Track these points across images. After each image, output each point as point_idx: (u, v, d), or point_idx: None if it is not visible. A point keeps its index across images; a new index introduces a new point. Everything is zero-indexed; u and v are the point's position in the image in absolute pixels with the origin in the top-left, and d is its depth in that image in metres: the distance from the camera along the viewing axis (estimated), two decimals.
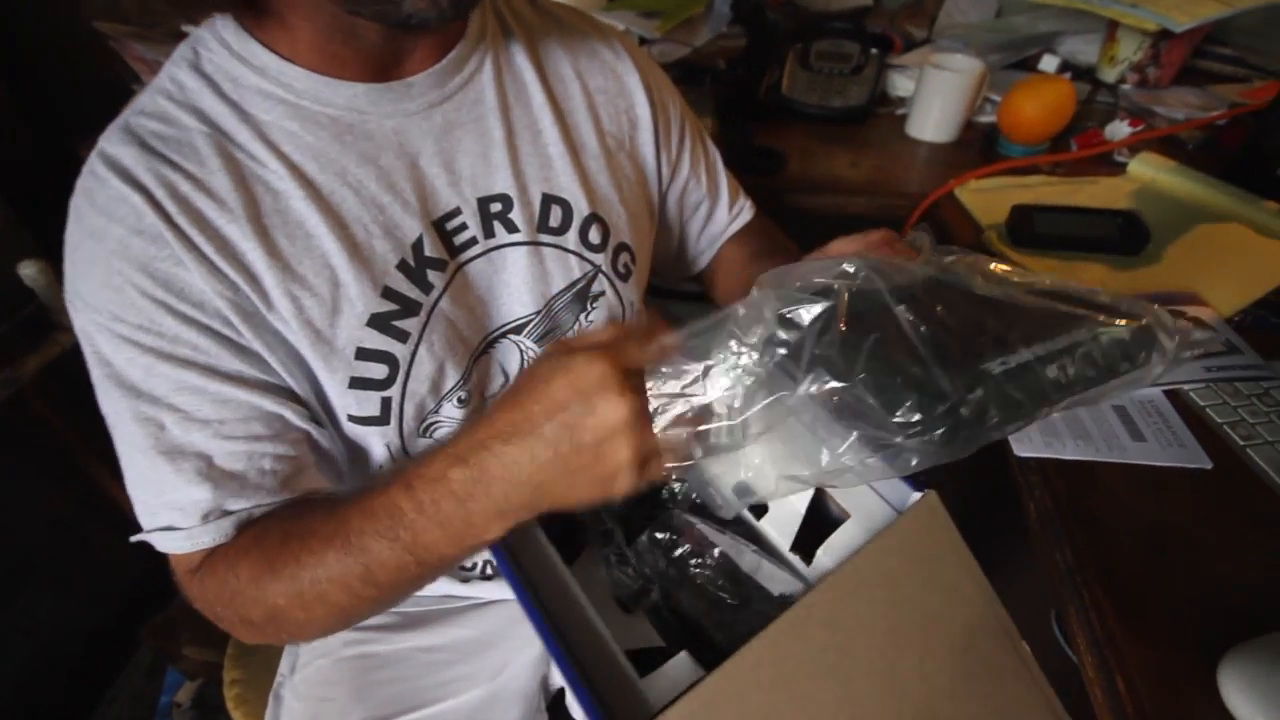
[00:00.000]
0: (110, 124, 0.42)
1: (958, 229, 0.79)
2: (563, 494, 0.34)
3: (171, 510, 0.42)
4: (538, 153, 0.50)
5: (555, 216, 0.50)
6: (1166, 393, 0.56)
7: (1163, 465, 0.51)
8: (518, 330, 0.51)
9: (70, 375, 0.94)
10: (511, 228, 0.49)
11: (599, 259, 0.52)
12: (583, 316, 0.53)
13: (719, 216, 0.66)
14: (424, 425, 0.49)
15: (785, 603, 0.49)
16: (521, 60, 0.50)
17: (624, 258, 0.54)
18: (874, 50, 0.98)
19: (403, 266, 0.45)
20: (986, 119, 0.97)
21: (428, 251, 0.46)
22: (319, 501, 0.44)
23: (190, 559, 0.43)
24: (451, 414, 0.49)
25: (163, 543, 0.43)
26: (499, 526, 0.36)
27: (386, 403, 0.46)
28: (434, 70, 0.45)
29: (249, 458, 0.42)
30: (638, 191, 0.56)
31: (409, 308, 0.45)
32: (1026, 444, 0.54)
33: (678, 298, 1.35)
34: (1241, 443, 0.52)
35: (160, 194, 0.39)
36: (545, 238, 0.50)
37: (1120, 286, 0.67)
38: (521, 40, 0.50)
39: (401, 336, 0.45)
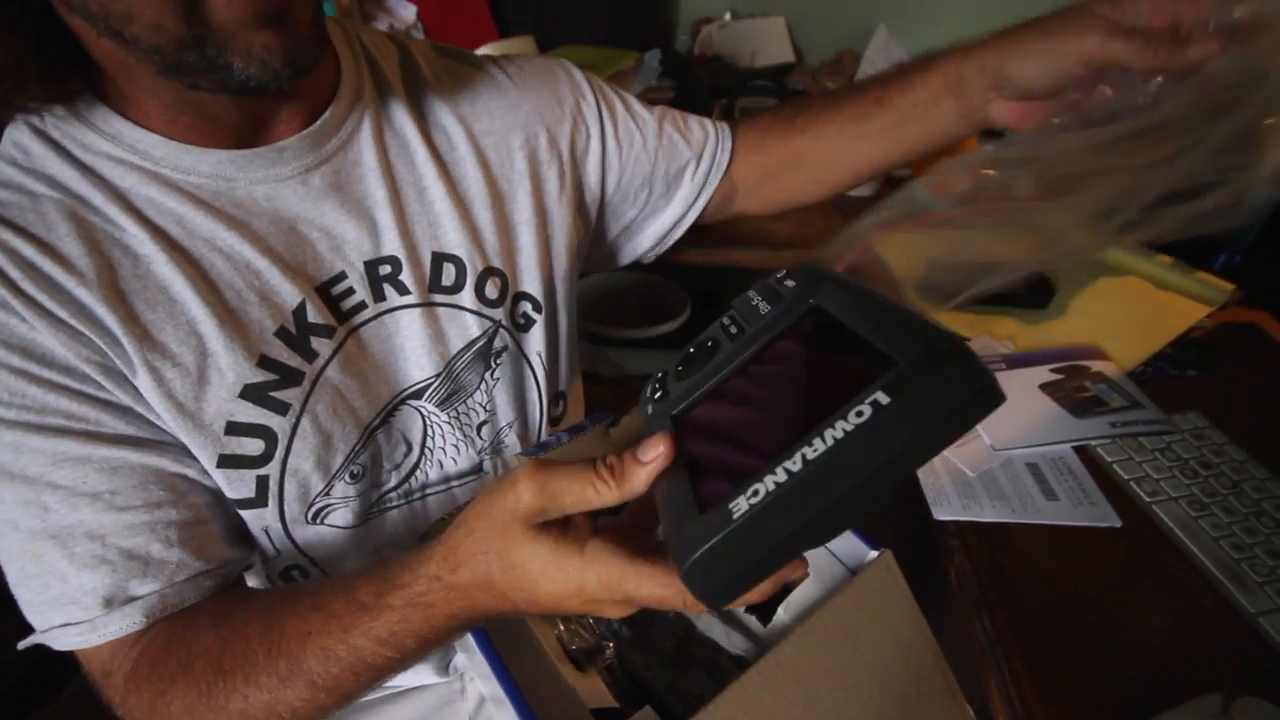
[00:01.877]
0: None
1: (881, 281, 0.80)
2: None
3: (64, 605, 0.37)
4: (425, 210, 0.48)
5: (448, 275, 0.49)
6: (1076, 449, 0.58)
7: (1076, 525, 0.52)
8: (418, 395, 0.49)
9: None
10: (403, 290, 0.47)
11: (497, 314, 0.51)
12: (487, 375, 0.51)
13: (685, 172, 0.61)
14: (312, 509, 0.45)
15: (741, 663, 0.48)
16: (401, 115, 0.48)
17: (523, 307, 0.53)
18: None
19: (282, 334, 0.42)
20: (904, 173, 1.00)
21: (311, 318, 0.43)
22: (244, 605, 0.40)
23: (101, 657, 0.39)
24: (345, 493, 0.46)
25: (62, 640, 0.38)
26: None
27: (263, 482, 0.43)
28: (307, 133, 0.43)
29: (150, 529, 0.39)
30: (539, 234, 0.53)
31: (289, 377, 0.43)
32: (945, 507, 0.54)
33: (620, 345, 1.35)
34: (1148, 499, 0.53)
35: (4, 261, 0.36)
36: (439, 297, 0.48)
37: (1029, 340, 0.69)
38: (399, 94, 0.49)
39: (280, 408, 0.42)
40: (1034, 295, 0.72)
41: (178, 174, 0.40)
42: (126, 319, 0.38)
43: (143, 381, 0.39)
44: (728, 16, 1.35)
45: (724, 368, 0.31)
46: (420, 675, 0.57)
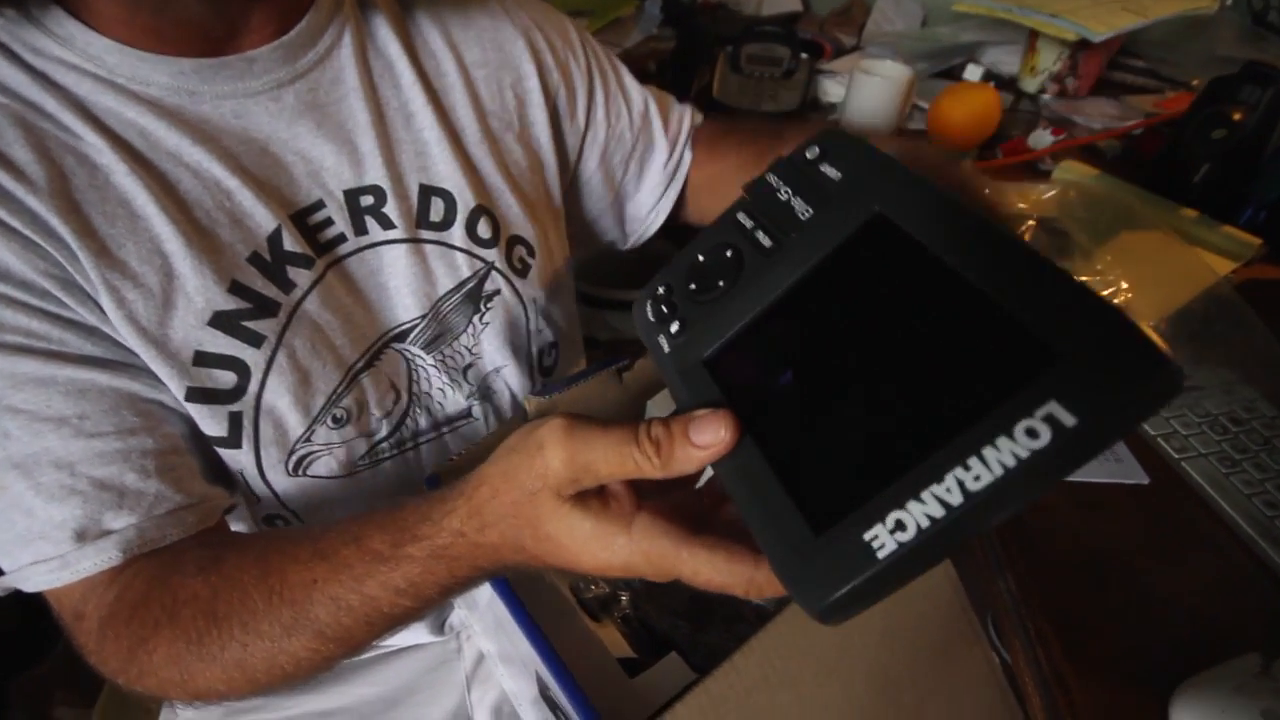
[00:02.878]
0: None
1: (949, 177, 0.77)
2: None
3: (33, 540, 0.35)
4: (412, 139, 0.44)
5: (437, 210, 0.45)
6: None
7: (1102, 481, 0.50)
8: (401, 338, 0.45)
9: None
10: (387, 224, 0.43)
11: (490, 254, 0.47)
12: (476, 319, 0.48)
13: (657, 159, 0.59)
14: (293, 458, 0.42)
15: (763, 613, 0.47)
16: (385, 33, 0.44)
17: (519, 251, 0.49)
18: (804, 55, 0.96)
19: (255, 260, 0.39)
20: (915, 126, 0.96)
21: (287, 246, 0.40)
22: (239, 549, 0.37)
23: (72, 598, 0.36)
24: (328, 439, 0.43)
25: (33, 579, 0.35)
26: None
27: (236, 419, 0.40)
28: (280, 44, 0.39)
29: (124, 457, 0.35)
30: (533, 178, 0.50)
31: (264, 307, 0.39)
32: None
33: (617, 307, 1.31)
34: (1176, 456, 0.51)
35: None
36: (426, 234, 0.45)
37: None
38: (383, 9, 0.44)
39: (253, 340, 0.39)
40: (1055, 246, 0.69)
41: (135, 84, 0.36)
42: (82, 232, 0.34)
43: (104, 300, 0.35)
44: None
45: (762, 297, 0.25)
46: (415, 634, 0.55)
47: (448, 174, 0.45)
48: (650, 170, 0.58)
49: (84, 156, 0.35)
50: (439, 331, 0.47)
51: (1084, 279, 0.18)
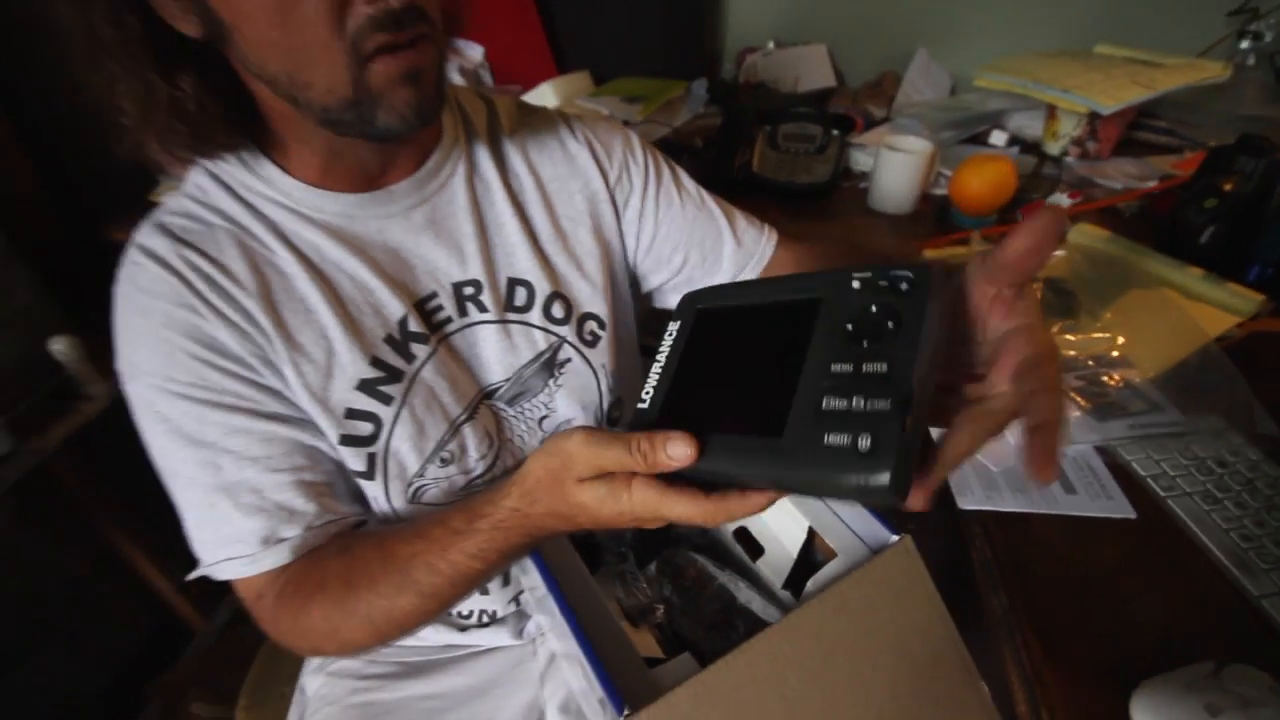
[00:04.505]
0: (143, 221, 0.50)
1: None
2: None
3: (232, 543, 0.48)
4: (502, 243, 0.57)
5: (520, 297, 0.58)
6: (1097, 449, 0.62)
7: (1092, 516, 0.57)
8: (491, 395, 0.58)
9: (93, 443, 1.01)
10: (482, 308, 0.56)
11: (564, 330, 0.59)
12: (551, 382, 0.60)
13: (725, 249, 0.66)
14: (411, 488, 0.55)
15: None
16: (485, 162, 0.58)
17: (589, 325, 0.61)
18: (835, 131, 1.07)
19: (389, 340, 0.52)
20: (941, 191, 1.05)
21: (411, 327, 0.53)
22: (363, 542, 0.50)
23: (254, 584, 0.50)
24: (436, 475, 0.55)
25: (226, 570, 0.49)
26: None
27: (371, 458, 0.53)
28: (414, 179, 0.53)
29: (295, 487, 0.49)
30: (603, 262, 0.62)
31: (393, 374, 0.52)
32: (968, 497, 0.59)
33: None
34: (1163, 494, 0.57)
35: (190, 274, 0.47)
36: (512, 315, 0.57)
37: (1060, 348, 0.74)
38: (484, 143, 0.58)
39: (385, 400, 0.52)
40: (1062, 305, 0.76)
41: (313, 212, 0.51)
42: (275, 323, 0.49)
43: (288, 373, 0.49)
44: (771, 45, 1.42)
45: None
46: (499, 638, 0.66)
47: (528, 268, 0.58)
48: (718, 261, 0.66)
49: (278, 268, 0.50)
50: (519, 391, 0.59)
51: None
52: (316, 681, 0.66)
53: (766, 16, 1.43)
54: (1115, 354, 0.70)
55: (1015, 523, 0.57)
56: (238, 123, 0.47)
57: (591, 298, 0.61)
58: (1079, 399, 0.66)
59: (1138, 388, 0.66)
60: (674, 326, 0.43)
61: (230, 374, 0.48)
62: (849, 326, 0.33)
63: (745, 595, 0.60)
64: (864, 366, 0.31)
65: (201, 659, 1.09)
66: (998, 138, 1.18)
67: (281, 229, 0.50)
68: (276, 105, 0.46)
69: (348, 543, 0.51)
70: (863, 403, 0.30)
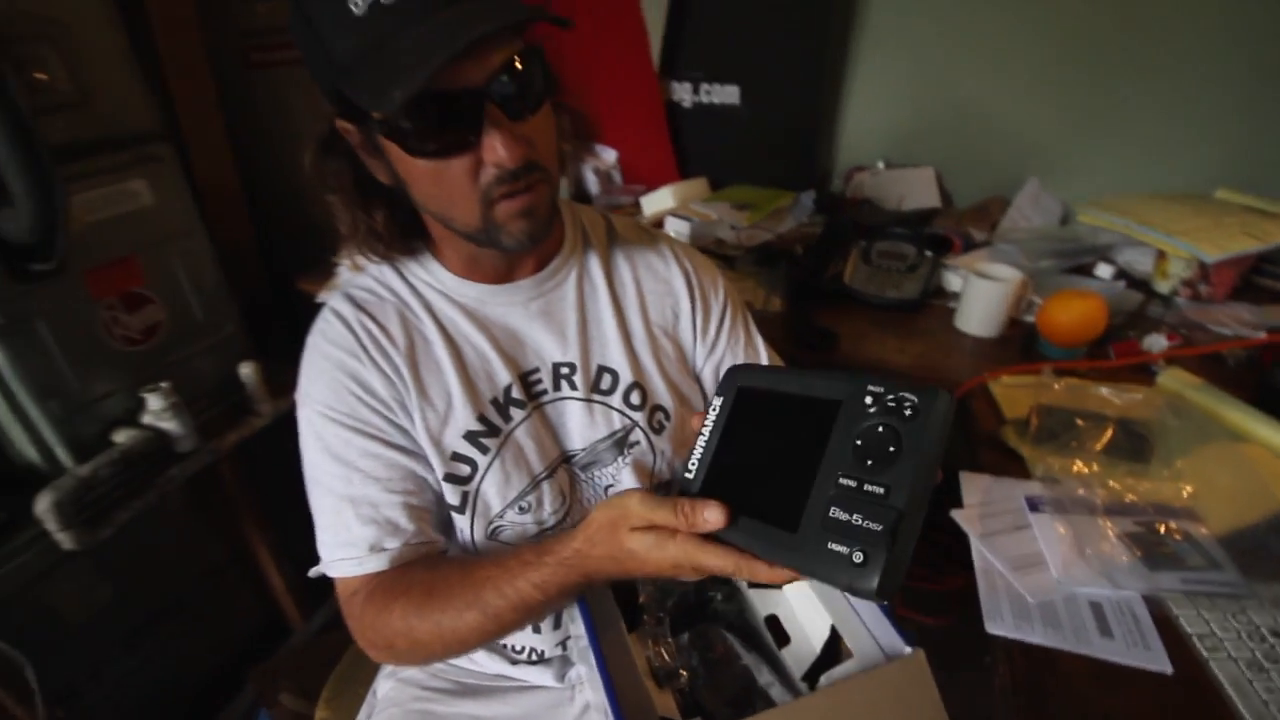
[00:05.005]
0: (337, 290, 0.66)
1: (982, 418, 0.88)
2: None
3: (347, 546, 0.59)
4: (599, 334, 0.69)
5: (606, 382, 0.68)
6: (1144, 597, 0.62)
7: (1124, 664, 0.57)
8: (568, 460, 0.68)
9: (252, 452, 1.22)
10: (573, 386, 0.67)
11: (637, 416, 0.69)
12: (620, 459, 0.69)
13: None
14: (491, 526, 0.65)
15: None
16: (595, 268, 0.71)
17: (659, 416, 0.70)
18: (928, 253, 1.13)
19: (494, 402, 0.64)
20: (1031, 319, 1.07)
21: (513, 394, 0.65)
22: (448, 562, 0.61)
23: (352, 584, 0.61)
24: (513, 520, 0.65)
25: (339, 569, 0.60)
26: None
27: (465, 496, 0.64)
28: (537, 278, 0.67)
29: (402, 507, 0.61)
30: (678, 366, 0.73)
31: (493, 430, 0.64)
32: (998, 623, 0.61)
33: None
34: (1206, 654, 0.56)
35: (362, 333, 0.62)
36: (597, 397, 0.68)
37: (1127, 490, 0.73)
38: (598, 253, 0.71)
39: (483, 450, 0.64)
40: (1132, 448, 0.76)
41: (457, 295, 0.65)
42: (414, 378, 0.62)
43: (416, 416, 0.62)
44: (881, 165, 1.51)
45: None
46: (544, 677, 0.73)
47: (617, 359, 0.69)
48: None
49: (424, 334, 0.64)
50: (593, 460, 0.69)
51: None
52: (387, 685, 0.77)
53: (878, 138, 1.53)
54: (1180, 505, 0.69)
55: (1041, 654, 0.58)
56: (413, 236, 0.64)
57: (664, 393, 0.71)
58: (1131, 545, 0.66)
59: (1199, 542, 0.65)
60: (718, 402, 0.52)
61: (375, 410, 0.61)
62: (858, 442, 0.40)
63: (766, 679, 0.64)
64: (865, 486, 0.39)
65: (296, 655, 1.23)
66: (1104, 270, 1.18)
67: (432, 306, 0.65)
68: (436, 226, 0.62)
69: (435, 562, 0.62)
70: (860, 520, 0.38)
